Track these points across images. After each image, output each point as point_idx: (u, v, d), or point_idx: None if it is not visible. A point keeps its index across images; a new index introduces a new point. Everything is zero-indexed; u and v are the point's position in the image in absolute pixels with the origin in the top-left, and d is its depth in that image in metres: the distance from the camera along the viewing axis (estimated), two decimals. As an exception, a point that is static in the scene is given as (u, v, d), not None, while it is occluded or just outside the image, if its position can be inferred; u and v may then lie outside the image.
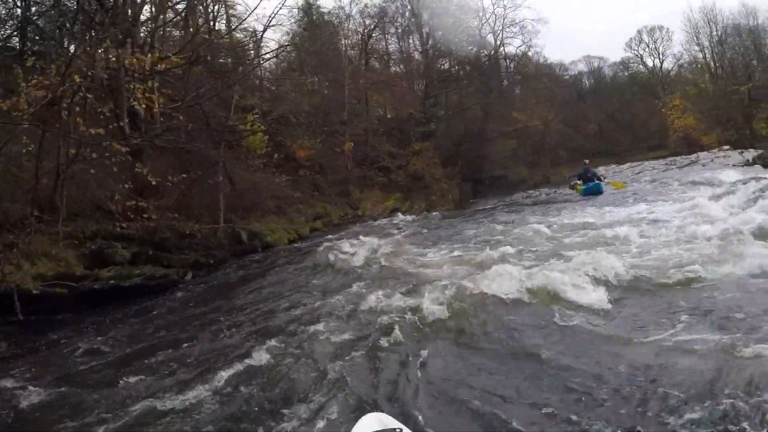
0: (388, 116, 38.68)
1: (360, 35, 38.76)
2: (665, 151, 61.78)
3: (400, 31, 47.62)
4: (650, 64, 67.76)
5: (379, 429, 2.63)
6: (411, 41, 48.62)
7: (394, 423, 2.78)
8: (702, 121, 50.04)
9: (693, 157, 29.32)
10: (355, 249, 14.00)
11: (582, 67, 73.01)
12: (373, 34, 40.27)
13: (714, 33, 51.34)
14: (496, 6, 48.87)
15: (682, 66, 64.47)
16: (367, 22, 38.53)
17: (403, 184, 33.10)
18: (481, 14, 47.60)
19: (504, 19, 47.75)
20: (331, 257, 13.41)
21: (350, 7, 39.99)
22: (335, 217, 25.59)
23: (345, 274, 11.59)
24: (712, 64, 52.50)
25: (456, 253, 11.84)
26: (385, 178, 32.81)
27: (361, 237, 17.02)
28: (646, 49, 66.94)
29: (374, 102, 36.05)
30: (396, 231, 18.53)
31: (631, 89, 70.76)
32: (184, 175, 13.65)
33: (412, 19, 47.19)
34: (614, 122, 67.68)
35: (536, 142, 52.99)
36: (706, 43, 52.17)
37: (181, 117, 15.07)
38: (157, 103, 15.12)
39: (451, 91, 44.36)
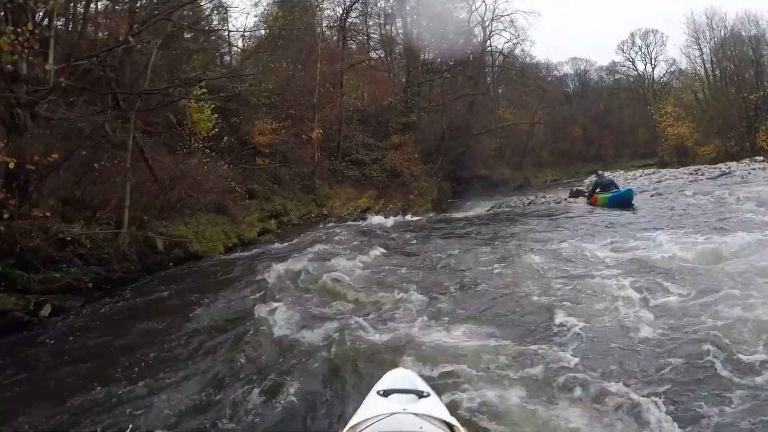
0: (365, 105, 34.18)
1: (338, 13, 34.24)
2: (653, 159, 59.07)
3: (382, 16, 43.15)
4: (641, 68, 64.25)
5: (407, 387, 2.49)
6: (393, 28, 44.14)
7: (423, 383, 2.61)
8: (696, 131, 46.73)
9: (722, 167, 25.20)
10: (299, 268, 10.54)
11: (568, 69, 69.69)
12: (353, 13, 35.74)
13: (715, 38, 47.91)
14: None
15: (674, 73, 61.22)
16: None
17: (378, 180, 28.86)
18: (470, 3, 42.94)
19: (494, 11, 43.32)
20: (264, 280, 9.89)
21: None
22: (295, 216, 21.29)
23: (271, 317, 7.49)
24: (710, 71, 48.90)
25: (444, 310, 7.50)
26: (358, 172, 28.53)
27: (317, 246, 13.05)
28: (639, 53, 63.25)
29: (350, 87, 31.62)
30: (364, 240, 14.31)
31: (618, 94, 67.57)
32: (56, 156, 9.06)
33: (396, 5, 42.82)
34: (600, 127, 64.67)
35: (521, 143, 49.56)
36: (706, 49, 48.64)
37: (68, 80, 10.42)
38: (52, 57, 10.56)
39: (434, 81, 40.15)
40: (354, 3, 33.10)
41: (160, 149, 16.22)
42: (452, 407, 4.07)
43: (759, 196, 14.79)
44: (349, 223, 21.36)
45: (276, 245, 15.37)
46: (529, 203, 21.47)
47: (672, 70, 61.73)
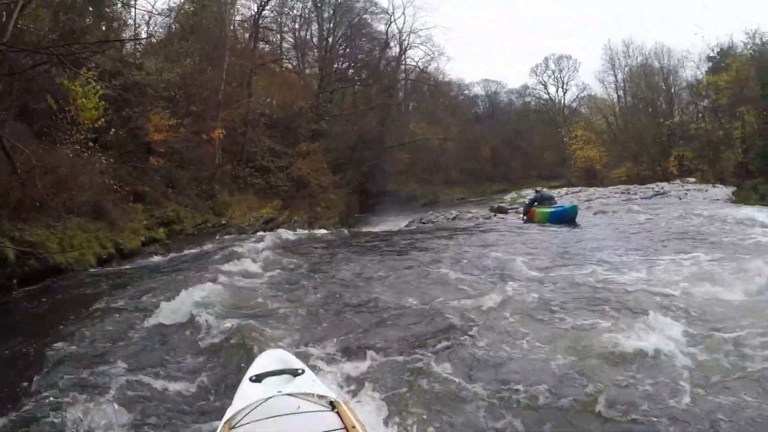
0: (274, 109, 32.03)
1: (252, 10, 31.95)
2: (560, 181, 60.25)
3: (297, 20, 41.17)
4: (553, 92, 65.51)
5: (279, 368, 2.43)
6: (308, 33, 42.31)
7: (296, 361, 2.56)
8: (605, 154, 48.07)
9: (654, 187, 24.81)
10: (180, 288, 8.43)
11: (479, 90, 70.06)
12: (267, 13, 33.56)
13: (630, 66, 49.75)
14: (406, 6, 42.96)
15: (584, 98, 62.89)
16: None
17: (283, 189, 26.86)
18: (390, 14, 41.72)
19: (413, 24, 42.41)
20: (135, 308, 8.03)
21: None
22: (190, 225, 18.93)
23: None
24: (622, 97, 50.44)
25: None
26: (262, 180, 26.39)
27: (209, 262, 11.09)
28: (551, 77, 64.46)
29: (259, 88, 29.40)
30: (264, 255, 12.35)
31: (528, 116, 68.81)
32: None
33: (313, 10, 41.04)
34: (509, 148, 65.27)
35: (432, 159, 48.77)
36: (620, 75, 50.01)
37: None
38: None
39: (347, 90, 38.62)
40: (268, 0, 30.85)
41: (31, 139, 13.60)
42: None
43: (714, 215, 14.25)
44: (250, 234, 19.30)
45: (161, 258, 13.24)
46: (454, 218, 20.07)
47: (582, 95, 63.27)
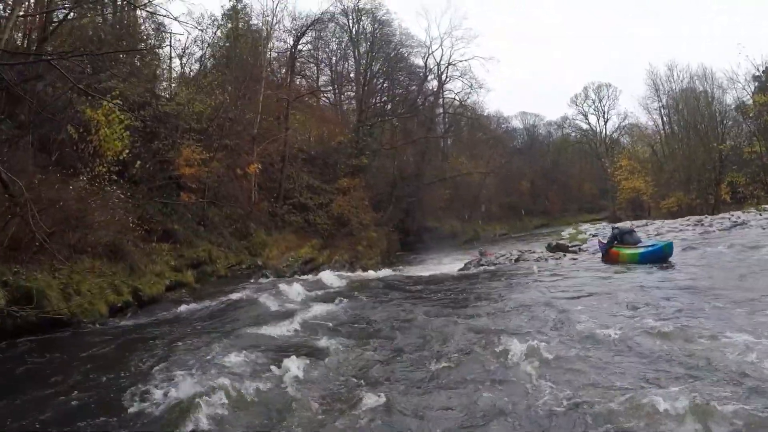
0: (312, 145, 30.33)
1: (288, 43, 30.49)
2: (601, 213, 57.56)
3: (334, 56, 39.74)
4: (594, 122, 62.92)
5: None
6: (344, 68, 40.84)
7: None
8: (650, 184, 45.03)
9: (730, 216, 21.59)
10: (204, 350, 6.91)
11: (517, 123, 67.96)
12: (303, 46, 32.06)
13: (675, 90, 46.85)
14: (444, 38, 41.07)
15: (625, 127, 60.30)
16: (297, 26, 30.03)
17: (323, 227, 24.85)
18: (427, 47, 40.06)
19: (451, 56, 40.40)
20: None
21: (279, 13, 31.38)
22: (222, 266, 17.01)
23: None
24: (668, 123, 47.72)
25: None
26: (301, 218, 24.43)
27: (242, 314, 9.19)
28: (591, 106, 62.01)
29: (296, 123, 27.71)
30: (307, 308, 10.25)
31: (567, 149, 66.39)
32: None
33: (349, 47, 39.60)
34: (548, 181, 62.90)
35: (472, 194, 46.71)
36: (664, 100, 47.35)
37: None
38: None
39: (385, 125, 36.83)
40: (305, 30, 29.31)
41: (50, 171, 11.88)
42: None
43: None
44: (288, 278, 17.33)
45: (186, 307, 11.17)
46: (517, 260, 17.52)
47: (624, 124, 60.54)
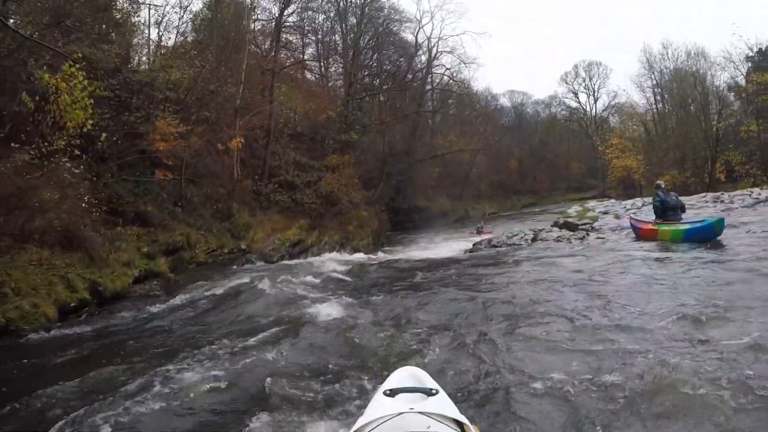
0: (298, 120, 28.20)
1: (273, 13, 28.20)
2: (590, 192, 56.43)
3: (320, 31, 37.30)
4: (583, 100, 61.28)
5: (414, 385, 2.19)
6: (332, 40, 38.40)
7: (430, 381, 2.29)
8: (642, 162, 43.85)
9: (752, 194, 19.67)
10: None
11: (505, 101, 66.11)
12: (288, 20, 29.64)
13: (670, 68, 45.21)
14: (435, 11, 38.73)
15: (615, 106, 58.66)
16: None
17: (311, 207, 22.91)
18: (418, 20, 37.97)
19: (441, 30, 38.36)
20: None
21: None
22: (202, 252, 15.12)
23: None
24: (660, 101, 46.08)
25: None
26: (287, 197, 22.45)
27: (223, 310, 7.77)
28: (582, 84, 60.31)
29: (282, 95, 25.58)
30: (303, 305, 8.44)
31: (555, 127, 64.86)
32: None
33: (336, 20, 37.24)
34: (535, 159, 61.47)
35: (462, 173, 45.18)
36: (657, 79, 45.74)
37: None
38: None
39: (374, 100, 34.81)
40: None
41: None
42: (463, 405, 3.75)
43: None
44: (275, 263, 15.51)
45: (156, 306, 9.24)
46: (534, 239, 15.57)
47: (614, 103, 58.92)
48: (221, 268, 14.29)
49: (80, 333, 7.66)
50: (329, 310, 7.63)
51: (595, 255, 11.20)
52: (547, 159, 63.30)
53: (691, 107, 40.22)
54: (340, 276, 11.66)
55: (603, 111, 60.85)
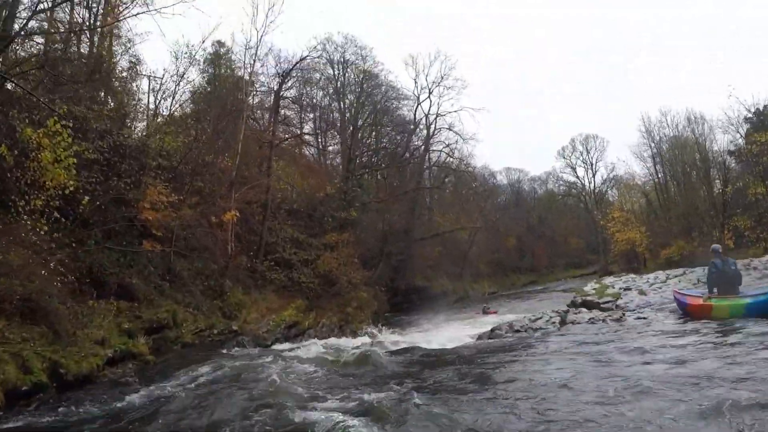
0: (296, 197, 27.03)
1: (271, 88, 27.55)
2: (590, 268, 55.26)
3: (320, 106, 36.73)
4: (581, 174, 60.72)
5: None
6: (330, 117, 37.82)
7: None
8: (645, 235, 42.69)
9: None
10: None
11: (501, 178, 65.68)
12: (287, 95, 28.91)
13: (669, 135, 44.70)
14: (432, 88, 38.07)
15: (612, 180, 58.10)
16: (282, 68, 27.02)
17: (308, 286, 21.30)
18: (416, 95, 37.59)
19: (439, 107, 37.70)
20: None
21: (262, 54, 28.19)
22: (188, 331, 13.47)
23: None
24: (661, 171, 45.36)
25: None
26: (284, 276, 20.91)
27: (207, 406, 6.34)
28: (579, 158, 59.98)
29: (280, 170, 24.53)
30: (307, 401, 6.82)
31: (554, 203, 64.20)
32: None
33: (334, 98, 36.93)
34: (533, 236, 60.39)
35: (461, 252, 43.90)
36: (656, 149, 45.21)
37: None
38: None
39: (374, 175, 33.85)
40: (291, 69, 26.12)
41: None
42: None
43: None
44: (268, 346, 13.88)
45: (127, 395, 7.59)
46: (563, 322, 13.59)
47: (613, 175, 58.32)
48: (209, 351, 12.63)
49: (28, 425, 6.04)
50: (326, 415, 6.01)
51: (652, 341, 9.30)
52: (545, 235, 62.26)
53: (693, 174, 39.50)
54: (338, 369, 9.89)
55: (602, 184, 60.23)
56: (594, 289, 18.73)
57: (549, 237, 62.39)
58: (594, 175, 60.35)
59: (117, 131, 14.91)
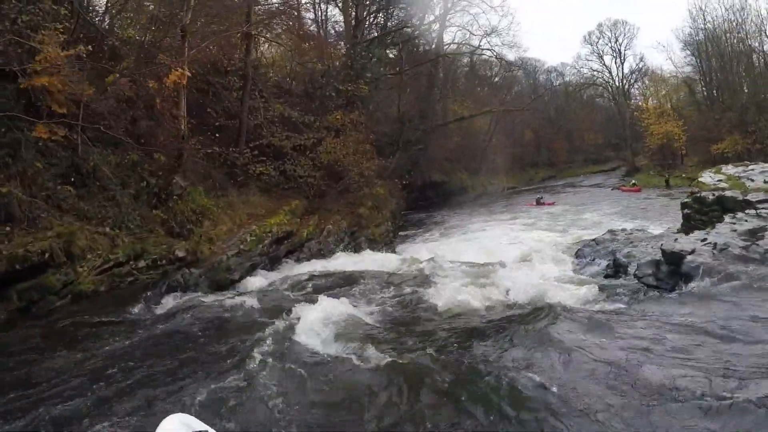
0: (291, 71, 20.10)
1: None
2: (609, 164, 49.37)
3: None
4: (608, 62, 52.19)
5: None
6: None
7: (200, 425, 2.19)
8: (683, 129, 36.46)
9: None
10: None
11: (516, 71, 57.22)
12: None
13: (719, 21, 36.61)
14: None
15: (641, 70, 49.87)
16: None
17: (309, 183, 14.97)
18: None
19: None
20: None
21: None
22: (90, 270, 7.30)
23: None
24: (705, 60, 37.76)
25: None
26: (273, 169, 14.47)
27: None
28: (607, 45, 51.30)
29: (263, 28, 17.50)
30: None
31: (575, 94, 56.51)
32: None
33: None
34: (551, 130, 53.41)
35: (479, 145, 37.71)
36: (702, 36, 37.41)
37: None
38: None
39: (386, 38, 26.21)
40: None
41: None
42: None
43: None
44: (236, 282, 7.85)
45: None
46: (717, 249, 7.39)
47: (641, 65, 49.99)
48: (123, 305, 6.60)
49: None
50: None
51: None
52: (563, 129, 55.15)
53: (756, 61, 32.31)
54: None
55: (630, 74, 51.54)
56: (720, 180, 12.23)
57: (567, 131, 55.29)
58: (622, 63, 51.43)
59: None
